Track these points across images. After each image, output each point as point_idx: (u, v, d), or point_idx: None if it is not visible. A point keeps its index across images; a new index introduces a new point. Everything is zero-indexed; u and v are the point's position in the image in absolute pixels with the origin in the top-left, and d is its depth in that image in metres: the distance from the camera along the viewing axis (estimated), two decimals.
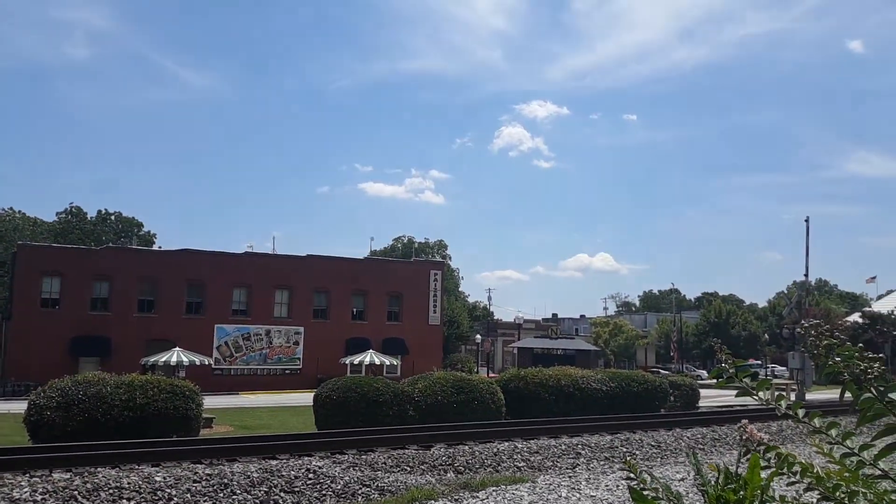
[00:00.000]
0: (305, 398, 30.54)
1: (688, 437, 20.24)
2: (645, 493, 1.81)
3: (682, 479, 13.23)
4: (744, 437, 1.85)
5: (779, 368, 69.89)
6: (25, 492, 10.92)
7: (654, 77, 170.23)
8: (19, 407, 21.05)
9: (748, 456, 1.82)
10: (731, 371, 1.92)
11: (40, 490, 11.03)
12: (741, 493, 1.73)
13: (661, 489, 1.80)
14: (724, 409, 31.34)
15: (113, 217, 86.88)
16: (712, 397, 38.42)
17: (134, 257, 50.16)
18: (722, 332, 72.89)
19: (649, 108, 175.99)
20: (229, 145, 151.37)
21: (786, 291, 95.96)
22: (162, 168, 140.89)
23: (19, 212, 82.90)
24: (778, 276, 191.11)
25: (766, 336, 77.73)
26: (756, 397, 1.89)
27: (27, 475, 12.35)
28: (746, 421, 1.88)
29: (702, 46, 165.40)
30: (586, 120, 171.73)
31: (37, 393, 18.61)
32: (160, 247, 71.65)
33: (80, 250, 51.37)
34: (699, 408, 30.98)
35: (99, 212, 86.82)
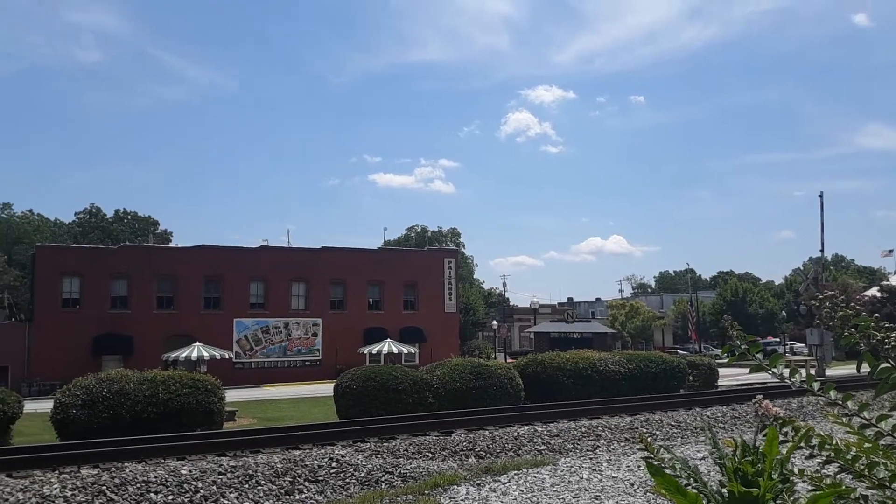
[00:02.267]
0: (325, 389, 30.75)
1: (707, 416, 20.25)
2: (665, 470, 1.85)
3: (703, 458, 13.26)
4: (759, 413, 1.88)
5: (798, 345, 69.53)
6: (55, 488, 11.12)
7: (662, 58, 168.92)
8: (46, 406, 21.36)
9: (766, 431, 1.85)
10: (743, 347, 1.94)
11: (70, 486, 11.24)
12: (759, 465, 1.76)
13: (678, 465, 1.84)
14: (743, 387, 31.26)
15: (129, 217, 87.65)
16: (731, 376, 38.26)
17: (151, 255, 50.54)
18: (739, 311, 72.46)
19: (657, 90, 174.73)
20: (239, 142, 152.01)
21: (801, 268, 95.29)
22: (175, 166, 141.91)
23: (38, 214, 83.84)
24: (792, 253, 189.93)
25: (784, 313, 77.29)
26: (771, 372, 1.92)
27: (56, 472, 12.57)
28: (761, 396, 1.91)
29: (711, 25, 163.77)
30: (593, 103, 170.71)
31: (62, 391, 18.83)
32: (177, 244, 72.26)
33: (98, 249, 51.82)
34: (718, 387, 30.93)
35: (116, 211, 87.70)
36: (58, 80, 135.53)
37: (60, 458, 13.46)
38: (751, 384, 33.21)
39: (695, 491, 1.75)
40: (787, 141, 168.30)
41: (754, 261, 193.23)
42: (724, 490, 1.77)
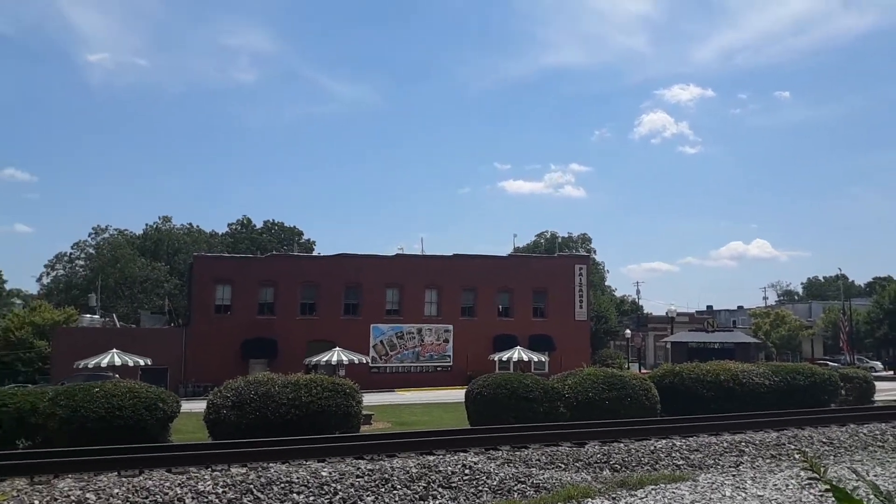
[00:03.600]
0: (456, 394, 31.11)
1: (864, 434, 18.75)
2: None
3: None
4: None
5: None
6: (208, 484, 11.88)
7: (809, 50, 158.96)
8: (199, 406, 22.90)
9: None
10: None
11: (221, 483, 11.97)
12: None
13: (870, 490, 1.70)
14: None
15: (277, 227, 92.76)
16: (889, 390, 35.37)
17: (295, 263, 53.11)
18: None
19: (806, 84, 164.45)
20: (377, 152, 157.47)
21: None
22: (318, 178, 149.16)
23: (196, 227, 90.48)
24: None
25: None
26: None
27: (209, 469, 13.38)
28: None
29: (869, 12, 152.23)
30: (734, 100, 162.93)
31: (214, 393, 19.96)
32: (319, 253, 75.59)
33: (247, 259, 55.09)
34: (875, 402, 28.63)
35: (265, 222, 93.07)
36: (219, 100, 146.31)
37: (212, 456, 14.32)
38: None
39: None
40: None
41: None
42: None
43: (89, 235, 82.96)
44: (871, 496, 1.75)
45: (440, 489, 12.62)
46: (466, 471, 13.35)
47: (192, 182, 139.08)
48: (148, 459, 13.93)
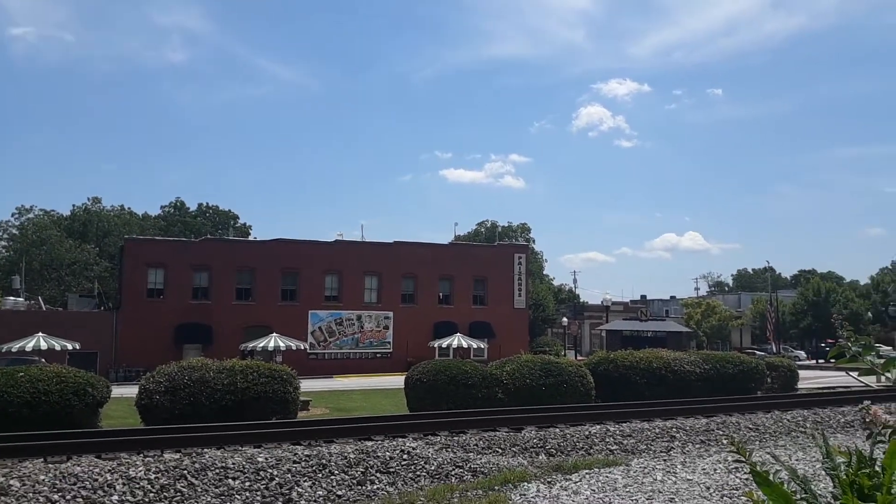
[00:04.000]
0: (396, 381, 31.11)
1: (787, 420, 19.55)
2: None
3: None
4: (867, 420, 1.77)
5: (884, 348, 66.28)
6: (140, 470, 11.59)
7: (742, 50, 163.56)
8: (131, 391, 22.29)
9: (876, 439, 1.73)
10: (855, 349, 1.83)
11: (153, 469, 11.69)
12: (876, 479, 1.62)
13: (787, 474, 1.74)
14: (825, 390, 30.11)
15: (211, 211, 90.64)
16: (811, 379, 36.93)
17: (231, 248, 52.07)
18: (821, 311, 69.69)
19: (735, 83, 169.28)
20: (317, 137, 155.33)
21: (890, 267, 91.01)
22: (255, 162, 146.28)
23: (128, 209, 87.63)
24: (882, 252, 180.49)
25: (870, 315, 73.92)
26: (886, 377, 1.80)
27: (141, 455, 13.07)
28: (869, 402, 1.81)
29: (797, 15, 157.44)
30: (670, 96, 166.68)
31: (146, 378, 19.55)
32: (255, 237, 74.23)
33: (181, 242, 53.73)
34: (798, 390, 29.87)
35: (199, 205, 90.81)
36: (150, 79, 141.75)
37: (144, 442, 13.99)
38: (833, 387, 31.97)
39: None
40: (880, 134, 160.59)
41: (838, 259, 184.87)
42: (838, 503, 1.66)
43: (12, 215, 79.59)
44: (791, 480, 1.80)
45: (378, 474, 12.60)
46: (405, 456, 13.36)
47: (123, 163, 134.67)
48: (76, 445, 13.49)
